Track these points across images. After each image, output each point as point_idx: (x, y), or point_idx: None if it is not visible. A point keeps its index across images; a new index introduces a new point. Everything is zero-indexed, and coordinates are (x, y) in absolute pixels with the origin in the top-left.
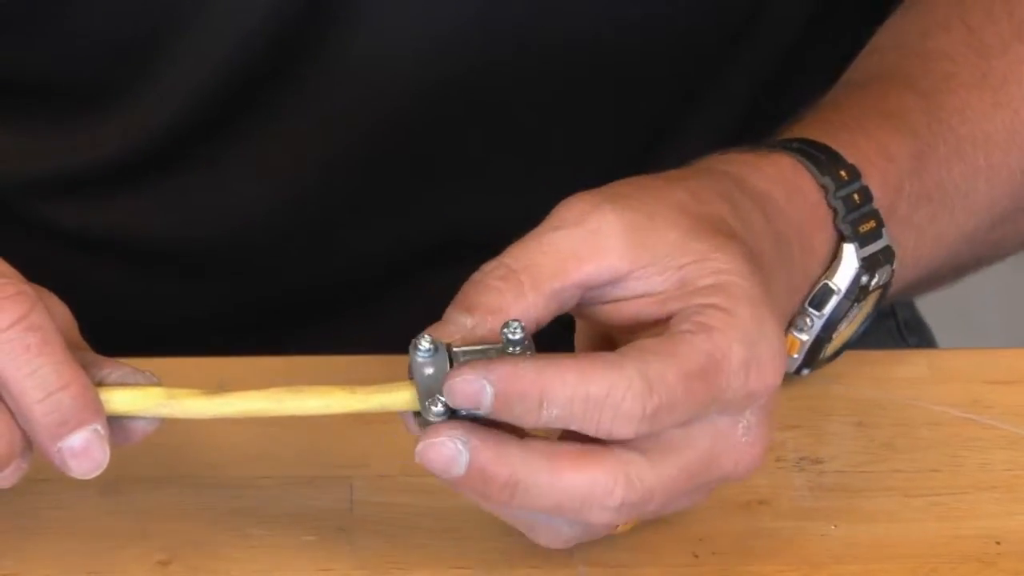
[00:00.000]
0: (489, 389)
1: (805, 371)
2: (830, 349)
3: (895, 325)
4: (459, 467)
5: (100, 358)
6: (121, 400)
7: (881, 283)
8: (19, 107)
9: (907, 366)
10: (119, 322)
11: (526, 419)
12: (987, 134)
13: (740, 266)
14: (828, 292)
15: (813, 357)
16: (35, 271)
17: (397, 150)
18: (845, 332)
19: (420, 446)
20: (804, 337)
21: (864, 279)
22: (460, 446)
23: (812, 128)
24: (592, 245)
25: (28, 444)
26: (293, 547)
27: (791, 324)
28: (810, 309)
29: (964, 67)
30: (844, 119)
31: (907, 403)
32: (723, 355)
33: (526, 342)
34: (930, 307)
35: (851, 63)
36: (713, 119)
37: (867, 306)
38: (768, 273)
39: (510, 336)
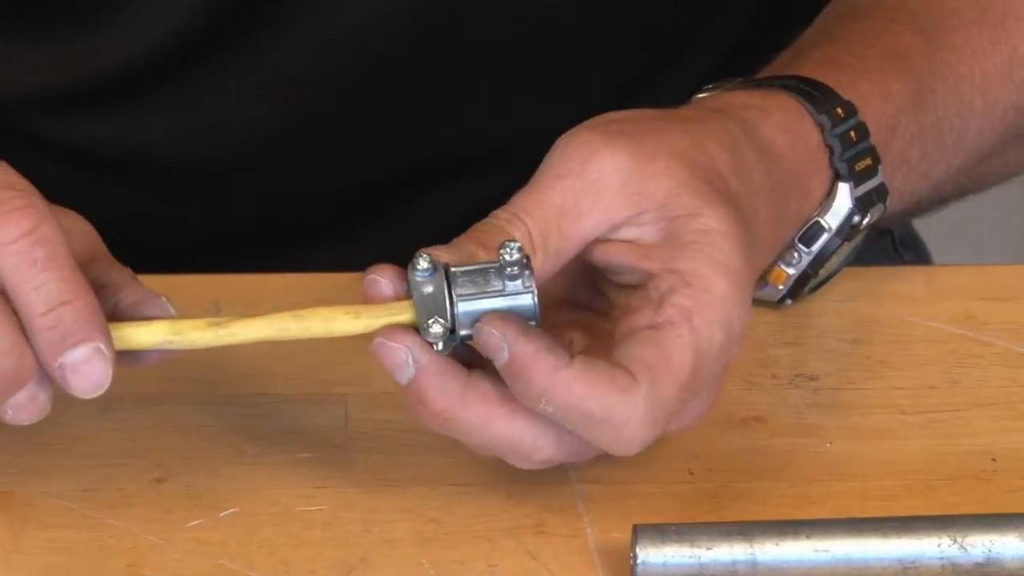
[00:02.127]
0: (506, 355)
1: (788, 301)
2: (814, 282)
3: (891, 242)
4: (403, 376)
5: (120, 280)
6: (126, 338)
7: (872, 222)
8: (15, 20)
9: (903, 283)
10: (116, 239)
11: (522, 399)
12: (985, 72)
13: (728, 227)
14: (819, 230)
15: (798, 289)
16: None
17: (394, 68)
18: (830, 264)
19: (378, 339)
20: (791, 271)
21: (856, 219)
22: (410, 360)
23: (814, 66)
24: (591, 198)
25: (42, 371)
26: (288, 464)
27: (779, 257)
28: (799, 244)
29: (965, 2)
30: (846, 58)
31: (903, 320)
32: (708, 343)
33: (524, 262)
34: (926, 224)
35: None
36: (718, 33)
37: (856, 241)
38: (757, 226)
39: (507, 256)
